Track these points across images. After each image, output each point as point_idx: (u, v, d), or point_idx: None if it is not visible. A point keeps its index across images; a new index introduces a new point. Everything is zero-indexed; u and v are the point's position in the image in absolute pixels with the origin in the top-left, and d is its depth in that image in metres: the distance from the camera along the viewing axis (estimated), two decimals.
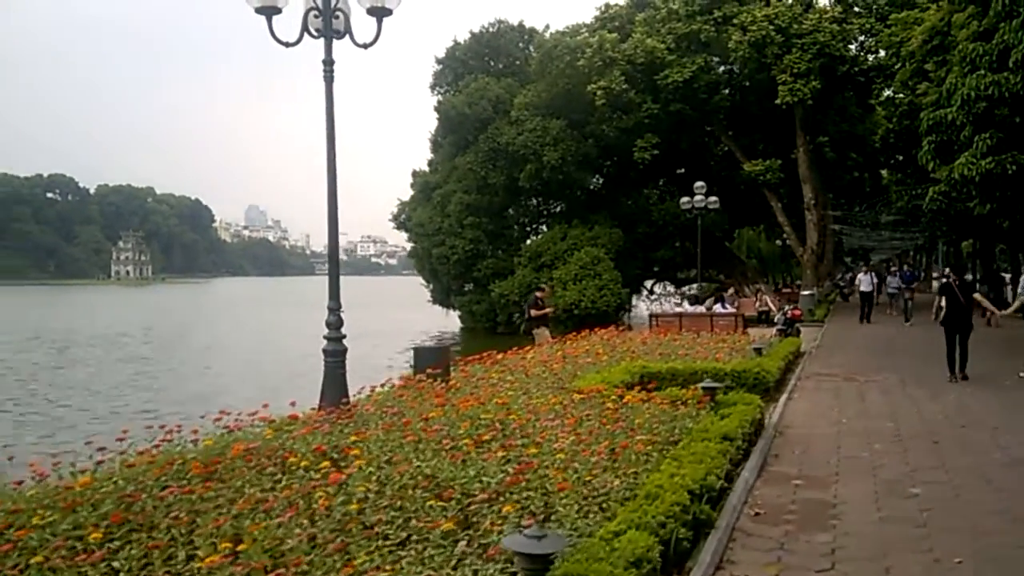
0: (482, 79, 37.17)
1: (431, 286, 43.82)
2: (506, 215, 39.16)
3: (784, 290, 47.35)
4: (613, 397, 8.16)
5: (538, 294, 17.56)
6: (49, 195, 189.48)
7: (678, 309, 19.96)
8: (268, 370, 26.86)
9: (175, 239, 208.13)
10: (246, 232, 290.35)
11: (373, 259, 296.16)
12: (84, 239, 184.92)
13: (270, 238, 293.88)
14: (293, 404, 7.43)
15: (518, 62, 40.06)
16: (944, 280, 14.50)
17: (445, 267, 39.10)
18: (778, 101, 31.06)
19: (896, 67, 29.20)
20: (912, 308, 23.90)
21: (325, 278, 8.73)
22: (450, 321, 43.82)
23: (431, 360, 9.89)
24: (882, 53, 32.35)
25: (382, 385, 9.06)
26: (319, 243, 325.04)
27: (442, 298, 42.86)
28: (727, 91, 37.56)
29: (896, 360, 15.58)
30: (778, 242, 56.22)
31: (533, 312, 17.10)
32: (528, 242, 38.99)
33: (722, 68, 38.06)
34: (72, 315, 59.59)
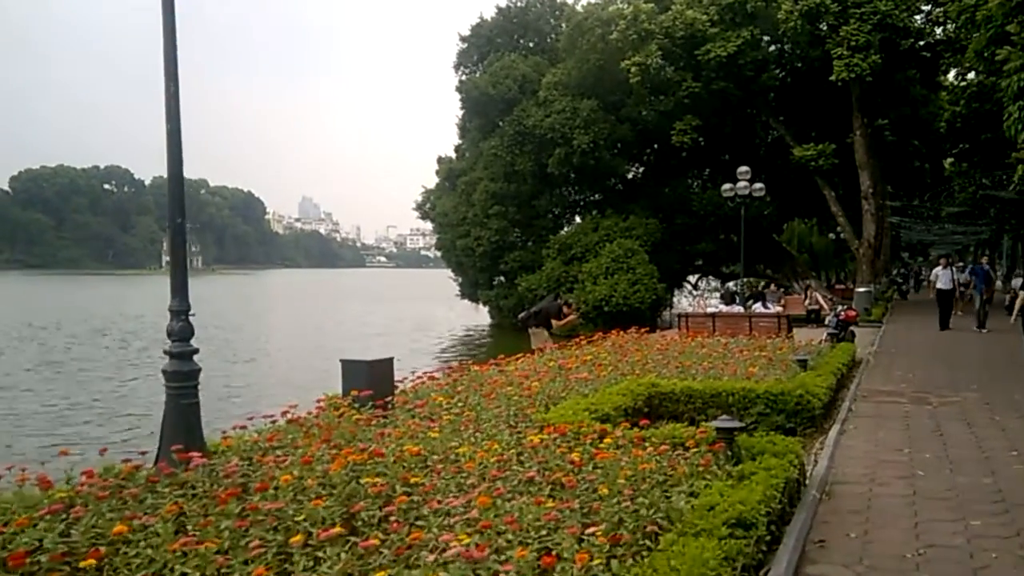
0: (508, 57, 34.62)
1: (459, 279, 41.50)
2: (535, 204, 36.54)
3: (837, 287, 44.17)
4: (587, 441, 5.73)
5: (565, 309, 15.31)
6: (106, 186, 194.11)
7: (711, 309, 17.24)
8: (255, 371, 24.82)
9: (228, 230, 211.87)
10: (298, 224, 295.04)
11: (423, 252, 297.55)
12: (140, 230, 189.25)
13: (321, 230, 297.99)
14: (103, 453, 5.14)
15: (549, 39, 37.41)
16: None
17: (471, 259, 36.73)
18: (833, 78, 27.96)
19: (968, 38, 26.05)
20: (988, 312, 20.41)
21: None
22: (480, 316, 41.60)
23: (362, 379, 7.52)
24: (951, 25, 29.06)
25: (283, 414, 6.68)
26: (370, 235, 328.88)
27: (470, 292, 40.52)
28: (776, 70, 34.55)
29: (973, 374, 12.78)
30: (831, 235, 52.89)
31: (556, 324, 14.85)
32: (558, 233, 36.33)
33: (772, 46, 35.06)
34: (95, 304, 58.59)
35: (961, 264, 33.46)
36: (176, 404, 5.56)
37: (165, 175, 5.68)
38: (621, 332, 14.76)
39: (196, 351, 5.74)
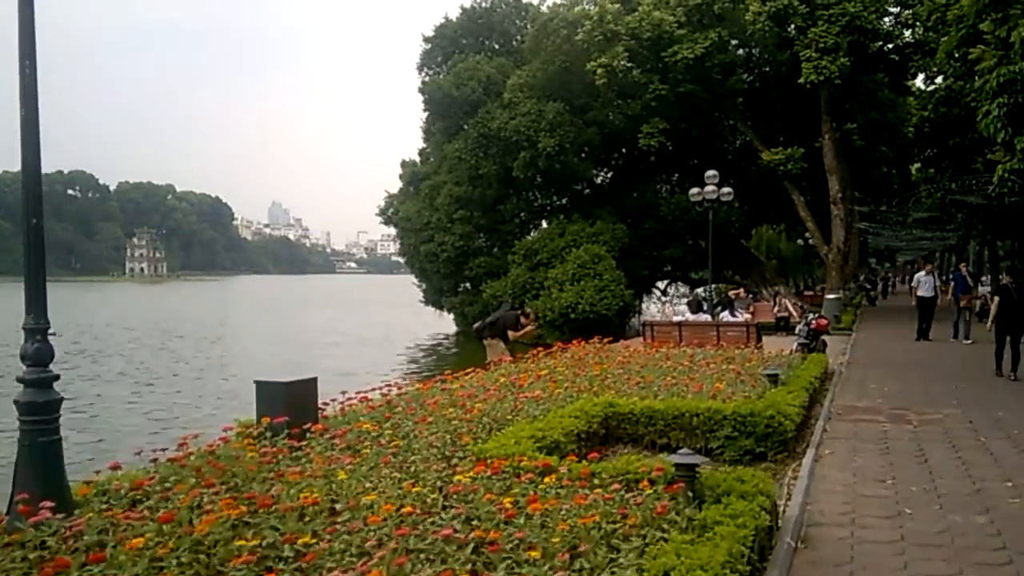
0: (471, 58, 33.70)
1: (423, 286, 40.48)
2: (500, 209, 35.60)
3: (806, 293, 43.87)
4: (525, 480, 4.90)
5: (523, 319, 14.34)
6: (69, 192, 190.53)
7: (677, 317, 16.44)
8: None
9: (195, 236, 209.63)
10: (267, 230, 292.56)
11: (393, 257, 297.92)
12: (105, 236, 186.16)
13: (290, 236, 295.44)
14: None
15: (515, 41, 36.59)
16: (1001, 282, 14.45)
17: (434, 265, 35.75)
18: (801, 80, 27.41)
19: (938, 41, 25.69)
20: (970, 322, 18.89)
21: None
22: (445, 324, 40.63)
23: (278, 403, 6.61)
24: (920, 27, 28.71)
25: (181, 444, 5.75)
26: (340, 241, 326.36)
27: (434, 299, 39.50)
28: (744, 74, 34.04)
29: (951, 388, 12.11)
30: (799, 241, 52.72)
31: (512, 335, 13.89)
32: (524, 239, 35.42)
33: (740, 50, 34.57)
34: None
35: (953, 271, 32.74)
36: (32, 442, 4.61)
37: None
38: (583, 343, 13.96)
39: (56, 377, 4.80)
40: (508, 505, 4.41)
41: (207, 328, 45.56)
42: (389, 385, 8.61)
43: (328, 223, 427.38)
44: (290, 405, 6.58)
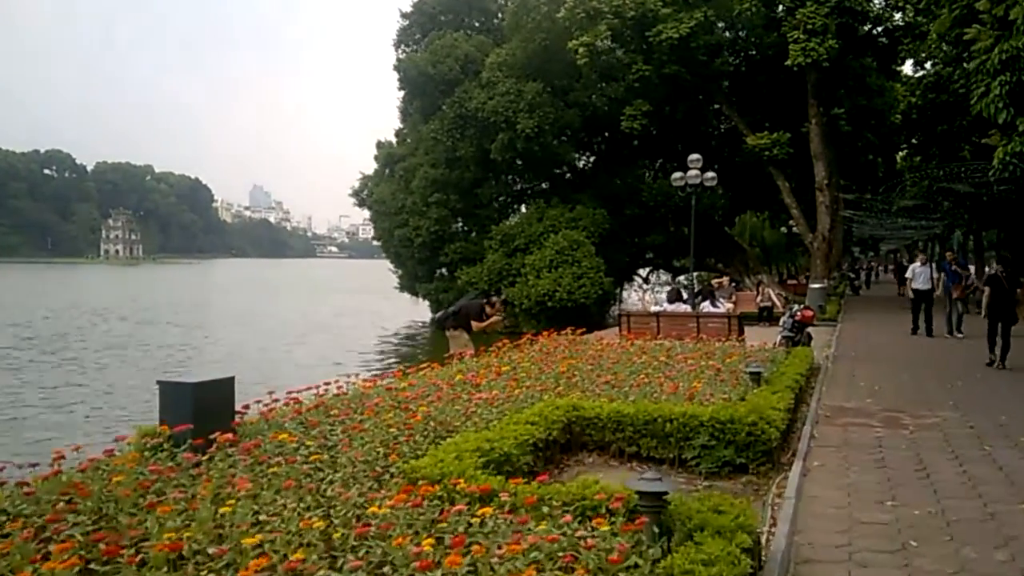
0: (450, 35, 32.53)
1: (399, 271, 39.41)
2: (478, 192, 34.59)
3: (789, 282, 43.21)
4: (456, 512, 4.02)
5: (488, 309, 13.32)
6: (46, 171, 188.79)
7: (655, 307, 15.55)
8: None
9: (173, 218, 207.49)
10: (248, 213, 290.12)
11: (375, 242, 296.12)
12: (81, 217, 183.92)
13: (271, 219, 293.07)
14: None
15: (496, 19, 35.48)
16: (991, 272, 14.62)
17: (409, 250, 34.74)
18: (789, 63, 26.58)
19: (928, 23, 24.85)
20: (963, 315, 17.55)
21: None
22: (421, 311, 39.62)
23: (184, 407, 5.66)
24: (910, 10, 27.86)
25: (56, 459, 4.80)
26: (321, 225, 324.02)
27: (408, 285, 38.46)
28: (730, 56, 33.14)
29: (946, 387, 11.32)
30: (783, 229, 52.11)
31: (476, 325, 12.88)
32: (501, 224, 34.40)
33: (726, 32, 33.67)
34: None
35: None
36: None
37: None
38: (553, 334, 13.09)
39: None
40: (428, 549, 3.51)
41: (161, 313, 44.15)
42: (328, 383, 7.67)
43: (310, 206, 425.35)
44: (198, 410, 5.64)
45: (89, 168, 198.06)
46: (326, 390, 7.43)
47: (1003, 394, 10.69)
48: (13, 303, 47.70)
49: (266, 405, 6.72)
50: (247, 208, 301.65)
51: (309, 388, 7.41)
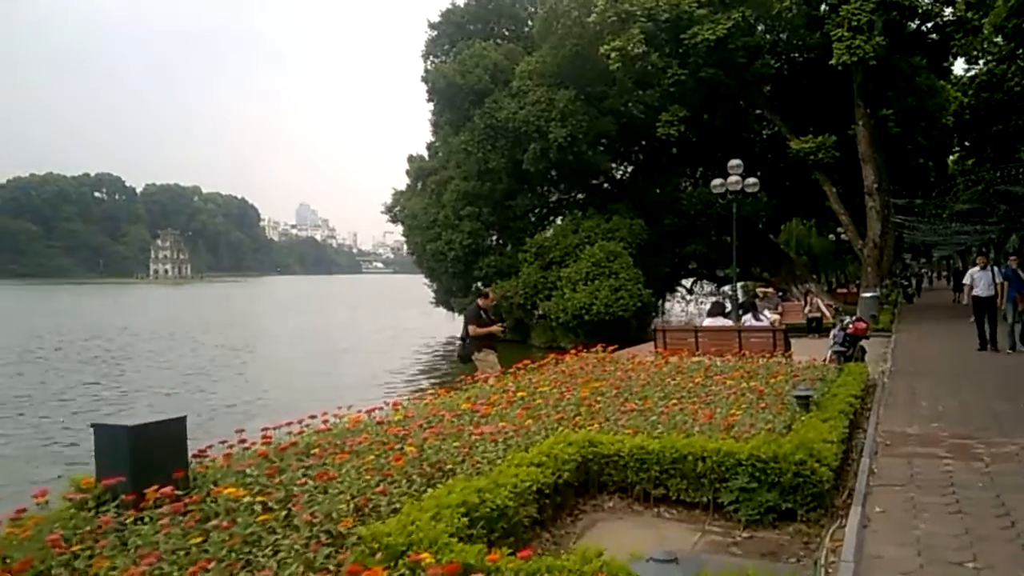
0: (479, 44, 31.77)
1: (434, 286, 38.68)
2: (511, 205, 33.72)
3: (839, 291, 41.71)
4: None
5: (480, 301, 12.23)
6: (96, 194, 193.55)
7: (707, 321, 14.35)
8: None
9: (221, 238, 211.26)
10: (294, 231, 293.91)
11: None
12: (131, 238, 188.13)
13: (317, 237, 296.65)
14: None
15: (526, 27, 34.67)
16: None
17: (442, 265, 33.94)
18: (833, 62, 25.32)
19: (980, 19, 23.52)
20: (1022, 325, 15.67)
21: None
22: (457, 326, 38.73)
23: (120, 454, 4.81)
24: (961, 4, 26.42)
25: None
26: (366, 241, 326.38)
27: (443, 299, 37.69)
28: (771, 59, 31.86)
29: (1019, 401, 10.14)
30: (831, 236, 50.42)
31: (473, 329, 11.82)
32: (535, 236, 33.43)
33: (766, 34, 32.42)
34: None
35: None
36: None
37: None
38: (583, 351, 12.11)
39: None
40: None
41: (187, 330, 43.89)
42: (314, 416, 6.80)
43: (356, 223, 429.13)
44: (137, 459, 4.78)
45: (139, 190, 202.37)
46: (307, 425, 6.56)
47: None
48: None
49: (232, 446, 5.84)
50: (294, 226, 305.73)
51: (290, 423, 6.56)
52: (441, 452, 5.91)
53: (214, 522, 4.19)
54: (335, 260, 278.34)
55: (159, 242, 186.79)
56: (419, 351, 32.94)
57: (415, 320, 45.29)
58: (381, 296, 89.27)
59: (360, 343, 36.23)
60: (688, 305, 44.81)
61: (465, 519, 4.40)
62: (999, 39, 24.93)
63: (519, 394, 8.44)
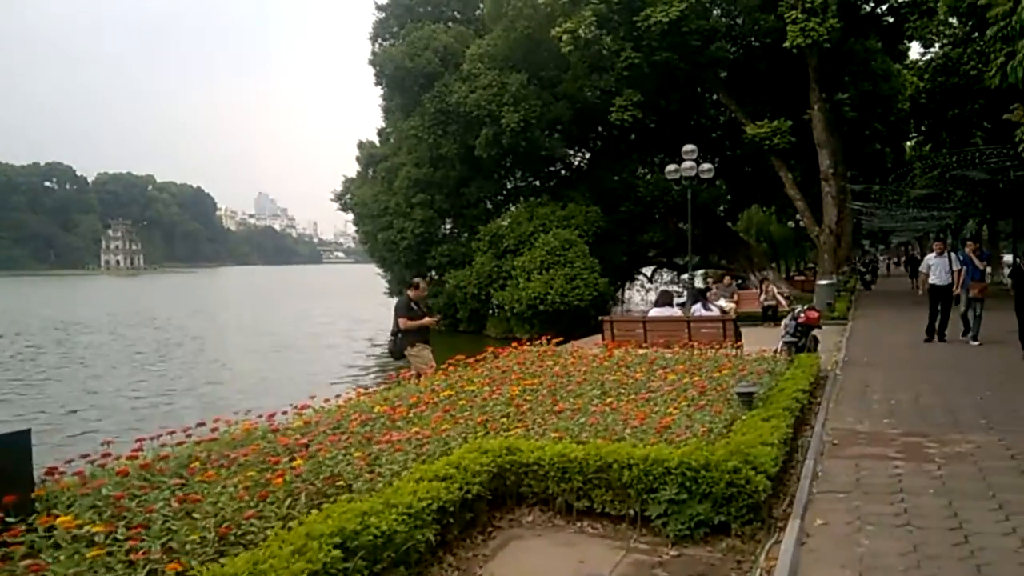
0: (428, 27, 30.88)
1: (387, 276, 37.82)
2: (464, 192, 32.93)
3: (797, 278, 41.62)
4: None
5: (410, 292, 11.49)
6: (47, 184, 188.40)
7: (651, 312, 13.75)
8: None
9: (176, 227, 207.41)
10: (252, 220, 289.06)
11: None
12: (83, 228, 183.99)
13: (276, 226, 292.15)
14: None
15: (477, 11, 33.83)
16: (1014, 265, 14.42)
17: (394, 254, 33.11)
18: (787, 44, 24.94)
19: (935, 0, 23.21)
20: (980, 316, 14.88)
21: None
22: None
23: None
24: None
25: None
26: (327, 231, 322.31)
27: (397, 289, 36.83)
28: (728, 44, 31.41)
29: (974, 392, 9.75)
30: (791, 224, 50.39)
31: (403, 323, 11.10)
32: (489, 224, 32.71)
33: (722, 18, 31.96)
34: None
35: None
36: None
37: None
38: (523, 345, 11.48)
39: None
40: None
41: (122, 324, 42.53)
42: (202, 423, 6.09)
43: (316, 213, 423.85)
44: None
45: (91, 179, 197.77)
46: (190, 435, 5.85)
47: None
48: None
49: (93, 461, 5.12)
50: (252, 216, 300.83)
51: (173, 432, 5.85)
52: (340, 465, 5.26)
53: (26, 562, 3.50)
54: (295, 250, 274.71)
55: (111, 232, 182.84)
56: (375, 344, 32.16)
57: (372, 311, 44.43)
58: (339, 286, 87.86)
59: (309, 336, 35.23)
60: (648, 294, 44.50)
61: (338, 551, 3.76)
62: (954, 20, 24.66)
63: (444, 394, 7.81)
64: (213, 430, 6.01)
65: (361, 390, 8.08)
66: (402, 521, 4.28)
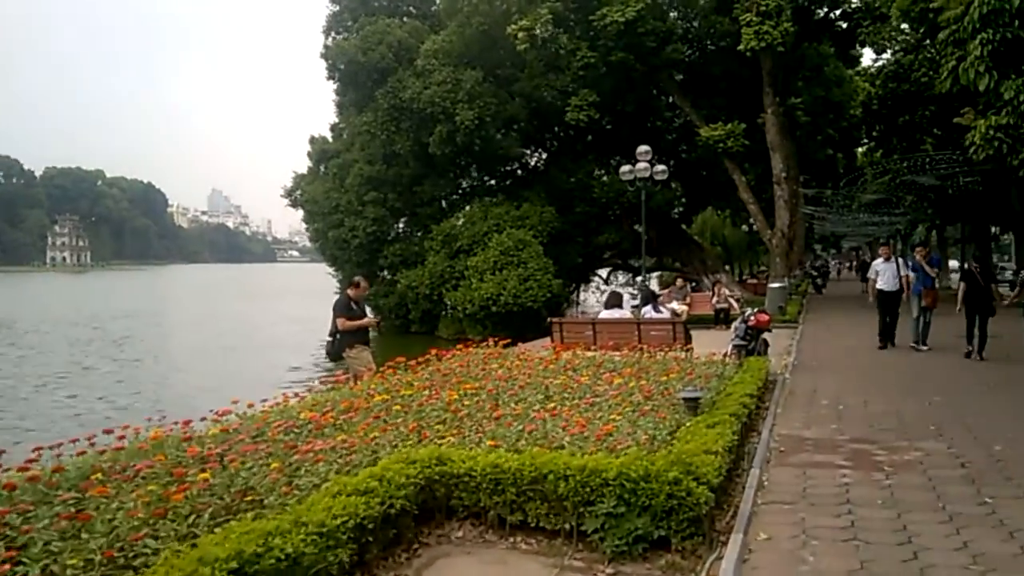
0: (382, 21, 30.33)
1: (338, 275, 37.11)
2: (417, 190, 32.42)
3: (749, 281, 41.84)
4: None
5: (350, 292, 11.05)
6: None
7: (601, 314, 13.48)
8: None
9: (126, 224, 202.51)
10: (205, 218, 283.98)
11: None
12: (30, 223, 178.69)
13: (229, 224, 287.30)
14: None
15: (433, 6, 33.38)
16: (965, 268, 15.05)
17: (345, 253, 32.48)
18: (742, 47, 24.94)
19: (888, 5, 23.33)
20: (930, 323, 14.71)
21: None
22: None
23: None
24: None
25: None
26: (281, 229, 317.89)
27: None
28: (684, 46, 31.39)
29: (923, 397, 9.64)
30: (744, 227, 50.72)
31: (342, 323, 10.67)
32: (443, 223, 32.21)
33: (679, 21, 31.94)
34: None
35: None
36: None
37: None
38: (470, 347, 11.12)
39: None
40: None
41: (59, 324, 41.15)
42: (110, 430, 5.64)
43: (270, 211, 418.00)
44: None
45: (38, 174, 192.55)
46: (93, 443, 5.40)
47: (988, 409, 8.97)
48: None
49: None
50: (204, 213, 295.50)
51: (75, 440, 5.39)
52: (254, 477, 4.85)
53: None
54: (248, 248, 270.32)
55: (57, 228, 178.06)
56: (321, 345, 31.40)
57: (321, 310, 43.59)
58: (291, 286, 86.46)
59: (255, 336, 34.39)
60: (604, 296, 44.40)
61: None
62: (906, 26, 24.86)
63: (378, 398, 7.42)
64: (120, 438, 5.56)
65: (288, 395, 7.61)
66: (311, 542, 3.91)
